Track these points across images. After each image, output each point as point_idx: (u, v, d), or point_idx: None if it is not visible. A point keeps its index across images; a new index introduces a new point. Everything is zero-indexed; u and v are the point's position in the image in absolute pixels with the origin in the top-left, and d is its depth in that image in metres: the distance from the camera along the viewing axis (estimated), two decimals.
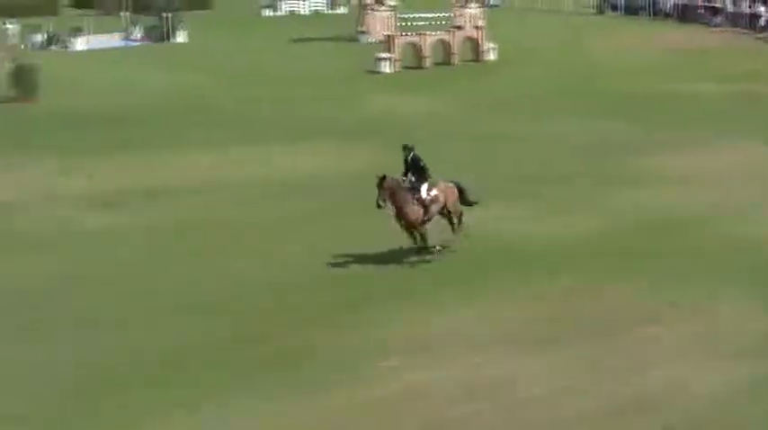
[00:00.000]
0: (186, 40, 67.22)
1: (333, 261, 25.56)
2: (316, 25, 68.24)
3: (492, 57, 58.06)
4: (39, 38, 65.47)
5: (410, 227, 25.50)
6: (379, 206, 25.04)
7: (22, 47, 60.20)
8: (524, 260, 25.36)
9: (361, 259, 25.67)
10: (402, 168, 25.69)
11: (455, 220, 26.20)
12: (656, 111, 43.70)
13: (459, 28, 58.74)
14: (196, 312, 22.57)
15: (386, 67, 55.32)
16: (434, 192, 25.64)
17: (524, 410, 17.58)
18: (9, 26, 62.28)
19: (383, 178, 25.07)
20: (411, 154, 25.87)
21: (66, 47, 64.66)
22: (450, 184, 26.23)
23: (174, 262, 26.17)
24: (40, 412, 18.24)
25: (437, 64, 56.66)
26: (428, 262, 25.39)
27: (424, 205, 25.39)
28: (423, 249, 25.64)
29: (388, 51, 56.06)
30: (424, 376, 19.07)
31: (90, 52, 63.55)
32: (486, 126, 41.75)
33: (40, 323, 22.21)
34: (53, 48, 64.64)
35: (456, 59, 57.36)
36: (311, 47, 62.57)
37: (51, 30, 66.17)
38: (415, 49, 56.85)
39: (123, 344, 21.06)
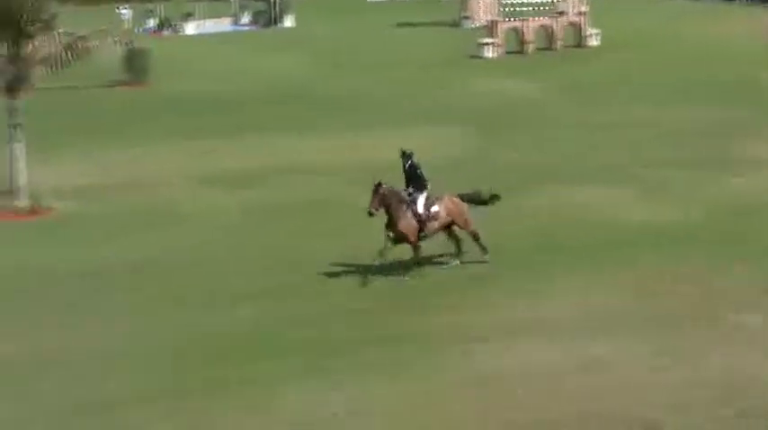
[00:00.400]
0: (293, 25, 68.39)
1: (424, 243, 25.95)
2: (419, 10, 68.90)
3: (595, 42, 58.29)
4: (151, 22, 67.11)
5: (400, 240, 23.70)
6: (370, 214, 23.55)
7: (135, 31, 61.75)
8: (623, 244, 25.52)
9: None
10: (402, 177, 24.15)
11: (459, 239, 24.21)
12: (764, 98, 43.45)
13: (562, 13, 59.03)
14: (293, 291, 23.35)
15: (488, 53, 55.85)
16: (435, 208, 23.86)
17: (615, 394, 18.00)
18: (123, 11, 63.95)
19: (378, 185, 23.55)
20: (409, 161, 24.11)
21: (177, 31, 66.22)
22: (456, 199, 24.30)
23: (286, 240, 27.17)
24: (183, 383, 19.35)
25: (539, 49, 57.05)
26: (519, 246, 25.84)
27: (420, 220, 23.69)
28: (417, 264, 23.92)
29: (491, 36, 56.60)
30: (506, 361, 19.59)
31: (200, 37, 65.02)
32: (589, 111, 42.00)
33: (175, 296, 23.29)
34: (164, 32, 66.21)
35: (558, 45, 57.73)
36: (415, 32, 63.32)
37: (163, 14, 67.72)
38: (518, 35, 57.34)
39: (243, 317, 22.13)
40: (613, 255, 24.82)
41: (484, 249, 24.22)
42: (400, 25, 65.18)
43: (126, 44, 48.59)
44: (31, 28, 30.83)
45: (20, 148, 31.36)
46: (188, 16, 67.15)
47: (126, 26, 61.91)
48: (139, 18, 66.27)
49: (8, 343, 21.17)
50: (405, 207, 23.66)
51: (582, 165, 33.54)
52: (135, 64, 50.54)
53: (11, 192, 31.20)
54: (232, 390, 18.70)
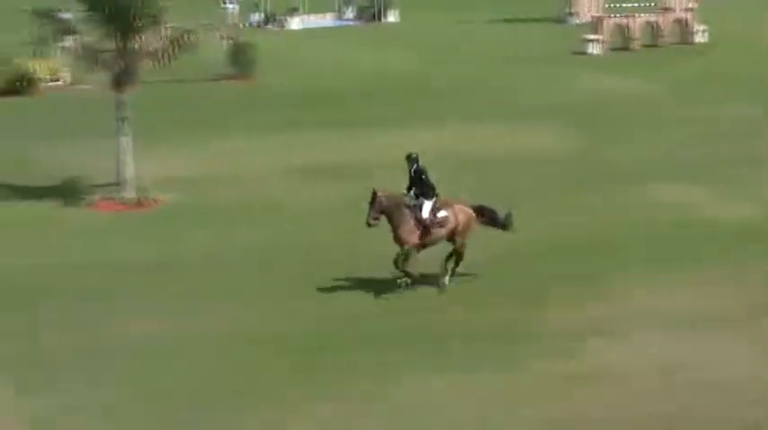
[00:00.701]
0: (397, 20, 68.49)
1: (534, 237, 25.97)
2: (525, 6, 68.55)
3: (702, 39, 57.52)
4: (256, 17, 67.66)
5: (398, 243, 23.08)
6: (368, 225, 23.05)
7: (240, 26, 62.28)
8: (723, 241, 25.49)
9: (563, 238, 26.21)
10: (406, 182, 23.63)
11: (453, 257, 23.35)
12: None
13: (669, 10, 58.33)
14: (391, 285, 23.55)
15: (593, 49, 55.40)
16: (443, 213, 23.14)
17: (715, 392, 17.89)
18: (228, 6, 64.46)
19: (374, 194, 22.97)
20: (414, 166, 23.48)
21: (282, 26, 66.71)
22: (470, 211, 23.49)
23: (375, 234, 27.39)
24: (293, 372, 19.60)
25: (645, 46, 56.48)
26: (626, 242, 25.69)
27: (424, 226, 23.01)
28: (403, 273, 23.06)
29: (596, 33, 56.14)
30: (617, 355, 19.61)
31: (304, 31, 65.40)
32: (696, 109, 41.54)
33: (284, 286, 23.67)
34: (269, 27, 66.74)
35: (665, 41, 57.07)
36: (519, 27, 63.08)
37: (268, 9, 68.24)
38: (623, 31, 56.81)
39: (330, 311, 22.34)
40: (714, 252, 24.65)
41: (450, 275, 23.11)
42: (505, 21, 64.97)
43: (231, 38, 49.31)
44: (140, 22, 31.26)
45: (127, 141, 31.82)
46: (293, 11, 67.54)
47: (231, 21, 62.38)
48: (245, 12, 66.76)
49: (120, 331, 21.60)
50: (407, 212, 22.99)
51: (684, 162, 33.31)
52: (240, 58, 50.90)
53: (118, 184, 31.68)
54: (342, 378, 19.00)
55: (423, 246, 23.13)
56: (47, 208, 30.74)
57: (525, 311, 21.95)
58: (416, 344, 20.55)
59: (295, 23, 66.82)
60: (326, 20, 68.77)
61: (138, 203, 31.03)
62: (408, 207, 23.01)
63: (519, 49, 55.93)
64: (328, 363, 19.87)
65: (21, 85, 48.06)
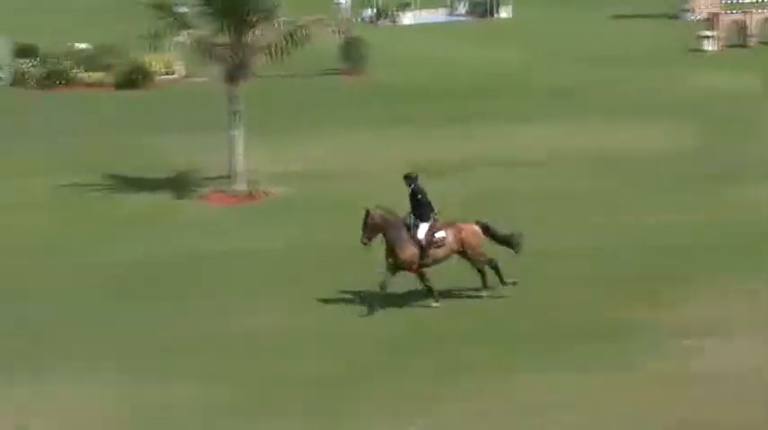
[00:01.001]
0: (510, 16, 68.17)
1: (643, 236, 25.72)
2: (640, 2, 67.78)
3: None
4: (368, 12, 67.83)
5: (400, 268, 22.58)
6: (363, 244, 22.59)
7: (353, 21, 62.46)
8: None
9: (684, 233, 25.84)
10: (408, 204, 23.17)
11: (484, 269, 22.86)
12: None
13: None
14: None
15: (709, 46, 54.59)
16: (441, 234, 22.60)
17: None
18: (341, 1, 64.70)
19: (367, 213, 22.60)
20: (412, 185, 22.97)
21: (394, 21, 66.82)
22: (475, 226, 22.95)
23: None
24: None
25: (762, 43, 55.48)
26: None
27: (421, 246, 22.46)
28: (430, 292, 22.80)
29: (712, 29, 55.28)
30: (729, 356, 19.36)
31: (416, 27, 65.40)
32: None
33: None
34: (381, 22, 66.86)
35: None
36: (633, 23, 62.32)
37: (381, 4, 68.38)
38: (740, 27, 55.85)
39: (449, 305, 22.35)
40: None
41: (503, 282, 22.72)
42: (618, 17, 64.29)
43: (343, 33, 49.48)
44: (254, 17, 31.51)
45: (239, 135, 32.12)
46: (405, 6, 67.59)
47: (344, 15, 62.59)
48: (357, 8, 66.96)
49: (231, 320, 21.83)
50: (404, 233, 22.46)
51: None
52: (352, 53, 51.07)
53: (229, 176, 32.00)
54: (459, 375, 19.01)
55: (420, 266, 22.54)
56: (161, 200, 31.22)
57: (635, 311, 21.78)
58: (529, 343, 20.44)
59: (407, 19, 66.86)
60: (438, 15, 68.63)
61: (249, 196, 31.31)
62: (406, 226, 22.49)
63: (633, 45, 55.28)
64: (443, 360, 19.85)
65: (136, 79, 48.84)
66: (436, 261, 22.61)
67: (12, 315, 22.75)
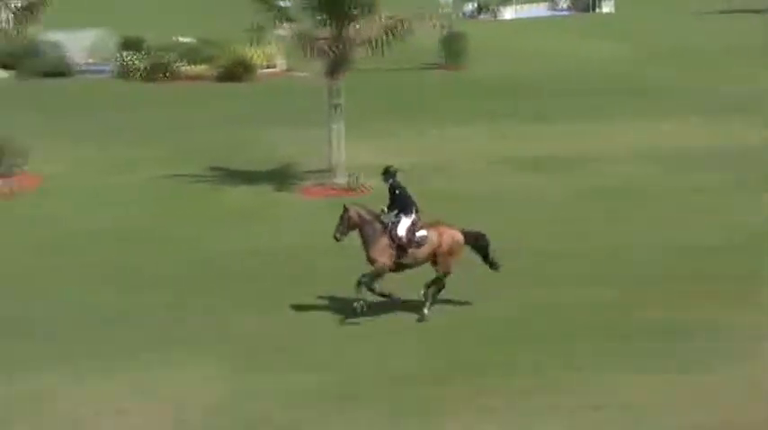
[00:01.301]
0: (612, 11, 67.67)
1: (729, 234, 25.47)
2: None
3: None
4: (469, 7, 67.81)
5: (375, 269, 21.46)
6: (336, 239, 21.69)
7: (453, 15, 62.45)
8: None
9: None
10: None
11: (433, 286, 21.59)
12: None
13: None
14: (587, 279, 23.47)
15: None
16: (423, 233, 21.49)
17: None
18: None
19: (345, 209, 21.75)
20: (391, 180, 21.96)
21: (494, 16, 66.71)
22: (457, 233, 21.65)
23: (601, 225, 27.22)
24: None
25: None
26: None
27: (400, 244, 21.38)
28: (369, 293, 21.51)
29: None
30: None
31: (517, 21, 65.25)
32: None
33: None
34: (482, 17, 66.80)
35: None
36: (738, 19, 61.58)
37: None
38: None
39: (529, 300, 22.30)
40: None
41: (431, 302, 21.47)
42: (723, 12, 63.50)
43: (444, 27, 49.43)
44: (355, 10, 31.62)
45: (339, 128, 32.28)
46: (506, 1, 67.48)
47: (445, 10, 62.60)
48: (458, 2, 66.97)
49: (331, 314, 21.95)
50: (379, 229, 21.47)
51: None
52: (452, 47, 51.15)
53: (329, 170, 32.18)
54: (534, 372, 18.95)
55: (398, 266, 21.55)
56: (261, 192, 31.48)
57: (708, 310, 21.46)
58: (603, 342, 20.22)
59: (508, 13, 66.81)
60: (540, 10, 68.47)
61: (349, 189, 31.44)
62: (383, 224, 21.53)
63: (733, 41, 54.52)
64: (522, 353, 19.85)
65: (237, 72, 49.32)
66: (417, 262, 21.61)
67: (121, 304, 23.10)
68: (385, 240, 21.39)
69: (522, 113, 40.34)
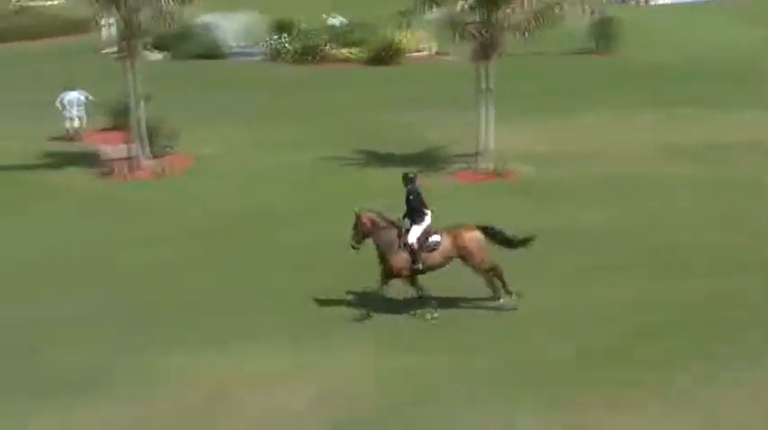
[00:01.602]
0: None
1: None
2: None
3: None
4: None
5: (392, 275, 21.22)
6: (353, 247, 21.36)
7: (604, 0, 61.73)
8: None
9: None
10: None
11: (492, 279, 21.30)
12: None
13: None
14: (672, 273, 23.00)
15: None
16: (436, 238, 21.11)
17: None
18: None
19: (358, 215, 21.31)
20: (409, 186, 21.48)
21: (646, 1, 65.81)
22: (475, 232, 21.20)
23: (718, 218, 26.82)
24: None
25: None
26: None
27: (412, 250, 21.03)
28: (422, 298, 21.34)
29: None
30: None
31: (668, 6, 64.24)
32: None
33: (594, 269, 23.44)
34: (633, 1, 65.93)
35: None
36: None
37: None
38: None
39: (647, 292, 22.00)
40: None
41: (502, 290, 21.25)
42: None
43: (594, 12, 48.90)
44: None
45: (488, 113, 32.21)
46: None
47: None
48: None
49: (467, 301, 21.94)
50: (394, 236, 21.14)
51: None
52: (603, 32, 50.67)
53: (477, 154, 32.13)
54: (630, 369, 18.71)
55: (415, 272, 21.22)
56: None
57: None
58: (706, 338, 19.80)
59: None
60: None
61: (496, 174, 31.36)
62: (396, 230, 21.18)
63: None
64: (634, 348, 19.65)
65: (387, 55, 49.56)
66: (431, 267, 21.24)
67: (274, 285, 23.42)
68: (400, 247, 21.12)
69: (675, 99, 39.66)
